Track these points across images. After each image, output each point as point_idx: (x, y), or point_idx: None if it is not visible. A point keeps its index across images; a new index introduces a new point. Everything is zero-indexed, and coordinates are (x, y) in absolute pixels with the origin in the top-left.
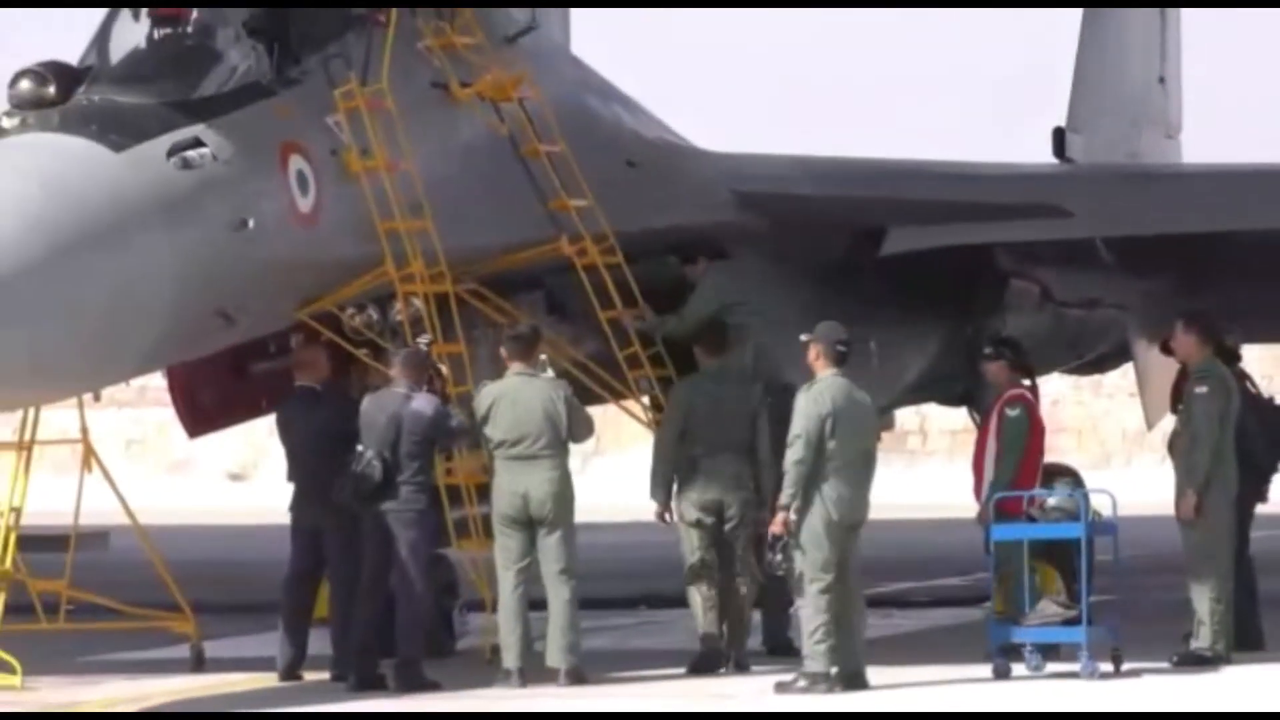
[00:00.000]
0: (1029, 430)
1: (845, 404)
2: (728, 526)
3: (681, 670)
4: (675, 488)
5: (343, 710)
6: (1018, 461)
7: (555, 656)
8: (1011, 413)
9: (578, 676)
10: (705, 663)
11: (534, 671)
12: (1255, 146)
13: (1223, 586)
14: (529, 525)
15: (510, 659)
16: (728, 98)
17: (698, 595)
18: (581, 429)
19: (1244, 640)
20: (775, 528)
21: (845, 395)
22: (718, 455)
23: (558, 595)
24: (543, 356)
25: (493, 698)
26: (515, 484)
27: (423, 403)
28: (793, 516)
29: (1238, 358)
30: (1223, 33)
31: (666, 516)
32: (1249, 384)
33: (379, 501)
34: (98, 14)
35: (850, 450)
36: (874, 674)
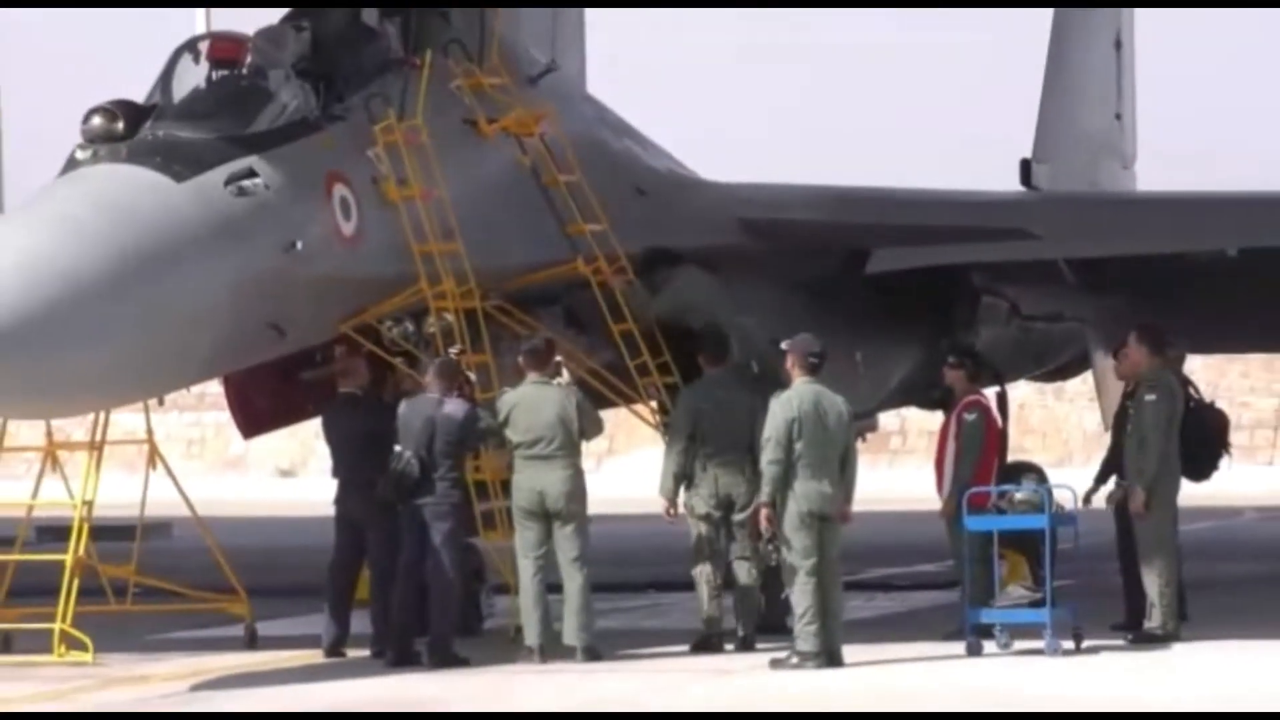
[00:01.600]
0: (984, 432)
1: (812, 409)
2: (736, 518)
3: (685, 648)
4: (685, 484)
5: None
6: (975, 461)
7: (572, 635)
8: (969, 417)
9: (593, 653)
10: (707, 642)
11: (553, 649)
12: (1201, 177)
13: (1170, 572)
14: (546, 518)
15: (531, 637)
16: (730, 132)
17: (703, 580)
18: (592, 429)
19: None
20: (762, 523)
21: (813, 401)
22: (724, 454)
23: (573, 581)
24: (561, 366)
25: (516, 672)
26: (533, 481)
27: (454, 407)
28: (771, 511)
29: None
30: (1174, 75)
31: (671, 511)
32: (1191, 390)
33: (417, 497)
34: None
35: (816, 449)
36: (860, 650)
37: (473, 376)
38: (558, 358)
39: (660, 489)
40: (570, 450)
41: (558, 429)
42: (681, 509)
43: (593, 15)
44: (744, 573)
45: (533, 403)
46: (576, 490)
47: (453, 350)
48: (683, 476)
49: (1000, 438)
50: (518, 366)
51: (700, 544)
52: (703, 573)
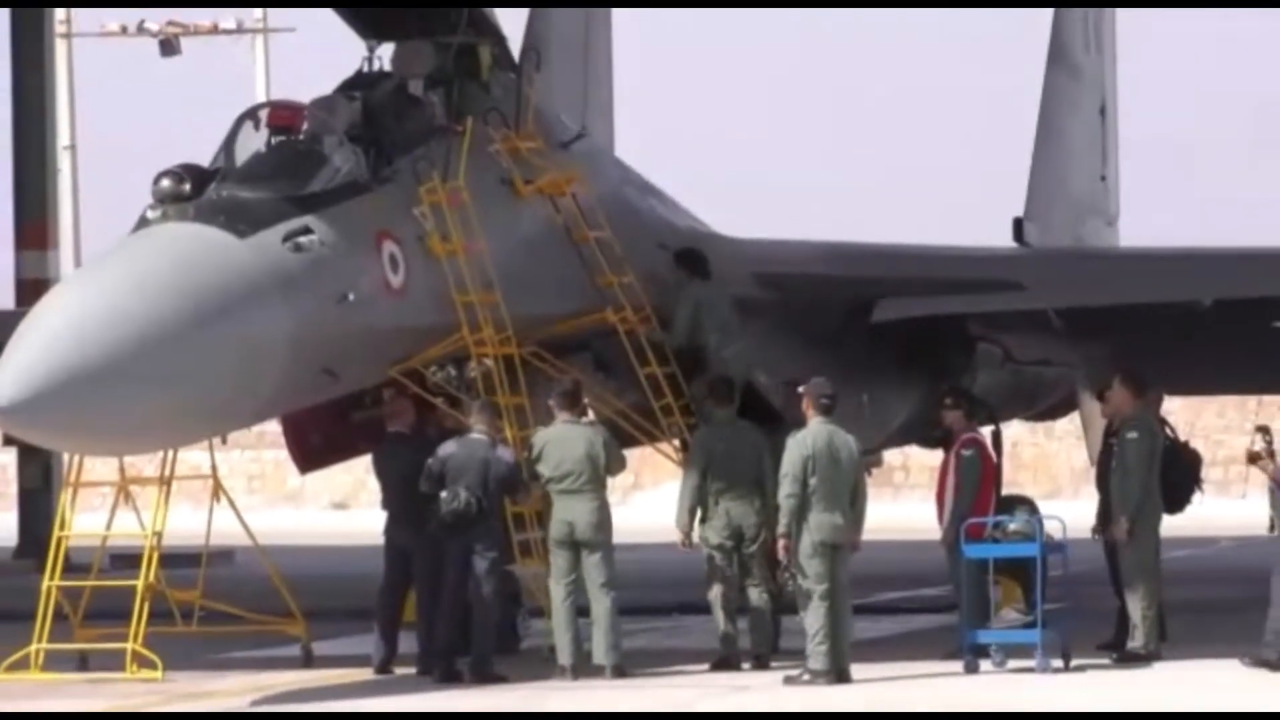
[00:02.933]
0: (981, 467)
1: (825, 446)
2: (747, 549)
3: (705, 666)
4: (699, 517)
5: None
6: (973, 494)
7: (600, 655)
8: (966, 454)
9: (620, 671)
10: (725, 661)
11: (583, 667)
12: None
13: (1152, 596)
14: (575, 547)
15: (564, 656)
16: (747, 190)
17: (718, 604)
18: (616, 466)
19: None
20: (780, 553)
21: (826, 439)
22: (735, 489)
23: (600, 604)
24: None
25: (550, 688)
26: (563, 513)
27: (505, 453)
28: (788, 541)
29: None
30: (1155, 138)
31: (685, 542)
32: (1168, 429)
33: (471, 531)
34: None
35: (829, 484)
36: (867, 668)
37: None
38: (585, 399)
39: (676, 521)
40: (597, 484)
41: (585, 465)
42: (696, 540)
43: (620, 83)
44: (755, 596)
45: (563, 441)
46: (603, 521)
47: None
48: (696, 510)
49: (995, 473)
50: (549, 407)
51: (714, 570)
52: (718, 596)
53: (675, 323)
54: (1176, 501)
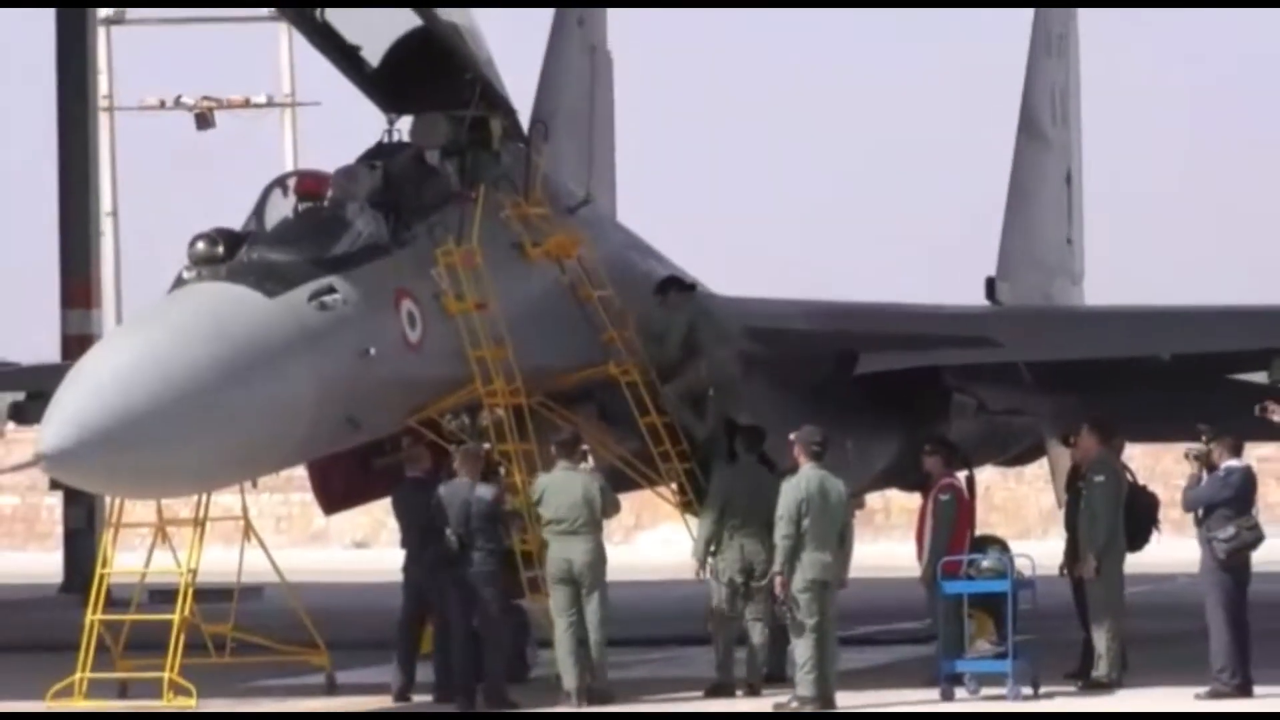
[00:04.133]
0: (956, 511)
1: (817, 490)
2: (755, 584)
3: (700, 693)
4: (713, 551)
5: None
6: (949, 535)
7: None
8: (943, 498)
9: (605, 696)
10: (719, 688)
11: (586, 692)
12: (1142, 292)
13: (1117, 629)
14: (573, 583)
15: (569, 682)
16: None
17: (719, 638)
18: (610, 509)
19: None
20: (777, 588)
21: (818, 483)
22: (749, 526)
23: (594, 636)
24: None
25: (557, 710)
26: (561, 552)
27: (484, 490)
28: (784, 577)
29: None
30: (1117, 206)
31: (700, 574)
32: (1129, 473)
33: (459, 568)
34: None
35: (820, 525)
36: (850, 695)
37: (502, 463)
38: (589, 446)
39: (693, 553)
40: (593, 527)
41: (583, 509)
42: (707, 573)
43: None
44: (756, 632)
45: (562, 486)
46: (598, 560)
47: (485, 446)
48: (712, 544)
49: (970, 514)
50: (550, 454)
51: (719, 605)
52: (719, 630)
53: (669, 336)
54: (1137, 540)
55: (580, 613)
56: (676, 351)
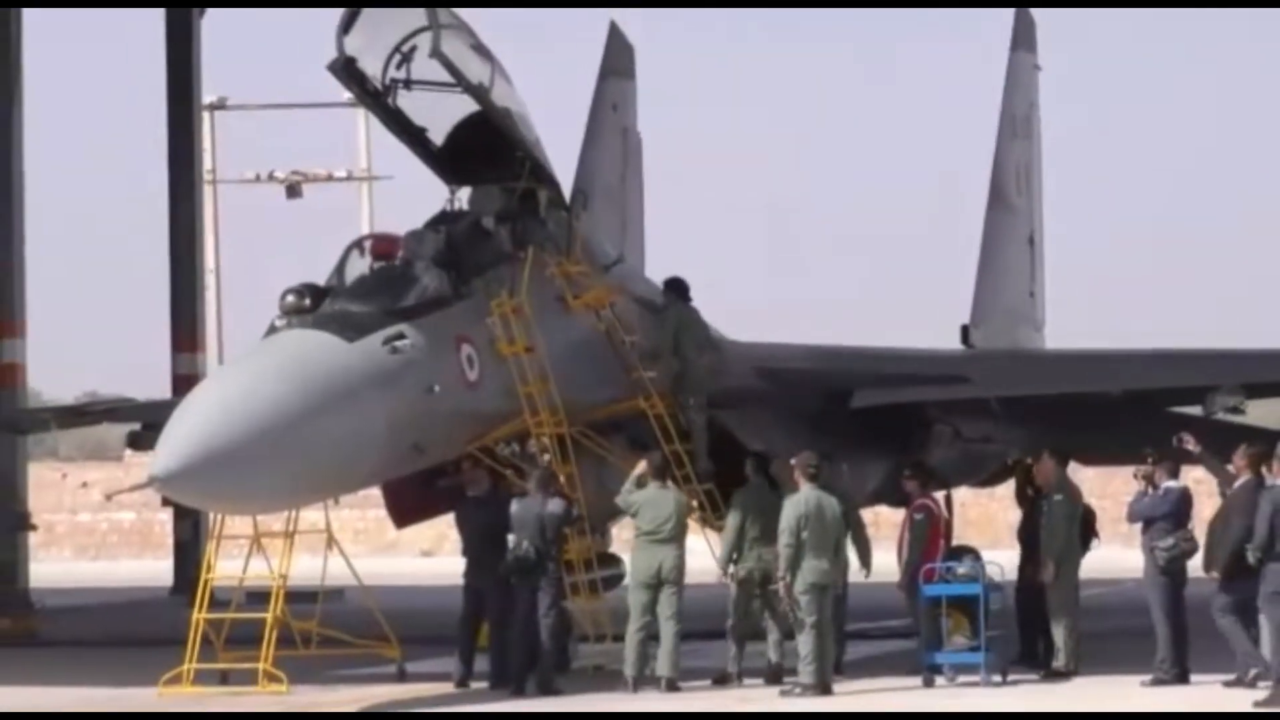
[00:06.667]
0: (929, 527)
1: (815, 507)
2: (771, 587)
3: (708, 682)
4: (735, 559)
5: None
6: (923, 548)
7: (663, 669)
8: (918, 516)
9: (673, 685)
10: (726, 678)
11: (642, 681)
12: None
13: (1073, 625)
14: (654, 587)
15: (630, 670)
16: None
17: (732, 641)
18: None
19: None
20: (781, 591)
21: (815, 501)
22: (765, 538)
23: (668, 630)
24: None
25: (609, 698)
26: (651, 558)
27: (555, 505)
28: (788, 581)
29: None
30: (1073, 263)
31: (724, 579)
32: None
33: (534, 574)
34: None
35: (818, 537)
36: (846, 683)
37: (562, 478)
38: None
39: (719, 561)
40: (680, 535)
41: (673, 520)
42: (727, 578)
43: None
44: (773, 628)
45: (655, 501)
46: (681, 565)
47: (545, 457)
48: (734, 553)
49: (946, 528)
50: (644, 474)
51: (737, 604)
52: (734, 626)
53: (660, 337)
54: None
55: (654, 614)
56: (666, 352)
